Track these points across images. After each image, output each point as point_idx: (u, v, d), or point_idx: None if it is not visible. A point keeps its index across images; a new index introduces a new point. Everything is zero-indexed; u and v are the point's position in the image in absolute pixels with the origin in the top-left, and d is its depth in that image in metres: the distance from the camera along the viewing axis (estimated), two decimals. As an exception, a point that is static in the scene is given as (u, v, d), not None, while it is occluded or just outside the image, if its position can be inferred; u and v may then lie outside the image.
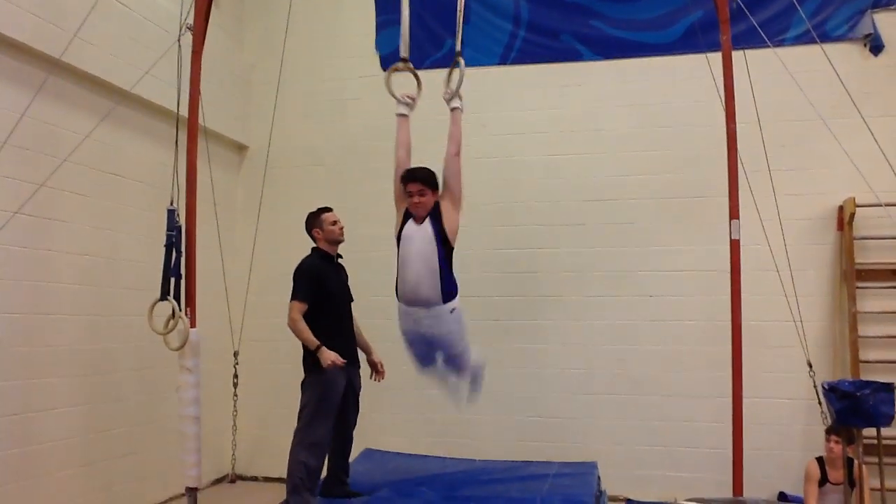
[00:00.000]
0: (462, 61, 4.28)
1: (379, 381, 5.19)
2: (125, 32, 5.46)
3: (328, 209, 5.07)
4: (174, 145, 4.51)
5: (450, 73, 4.37)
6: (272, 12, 7.10)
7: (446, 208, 4.24)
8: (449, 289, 4.20)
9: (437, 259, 4.15)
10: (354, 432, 5.09)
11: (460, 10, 4.43)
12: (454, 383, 4.70)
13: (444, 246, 4.20)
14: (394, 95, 4.44)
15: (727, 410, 4.46)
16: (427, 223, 4.21)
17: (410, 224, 4.25)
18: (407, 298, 4.23)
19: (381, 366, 5.16)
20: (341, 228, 5.04)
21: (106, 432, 5.41)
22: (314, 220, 5.04)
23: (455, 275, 4.27)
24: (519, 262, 6.71)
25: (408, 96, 4.45)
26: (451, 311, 4.22)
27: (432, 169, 4.30)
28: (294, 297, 4.79)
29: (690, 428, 6.28)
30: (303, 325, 4.70)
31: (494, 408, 6.66)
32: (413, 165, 4.36)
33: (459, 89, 4.29)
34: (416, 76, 4.43)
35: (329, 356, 4.63)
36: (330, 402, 4.70)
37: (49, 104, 4.80)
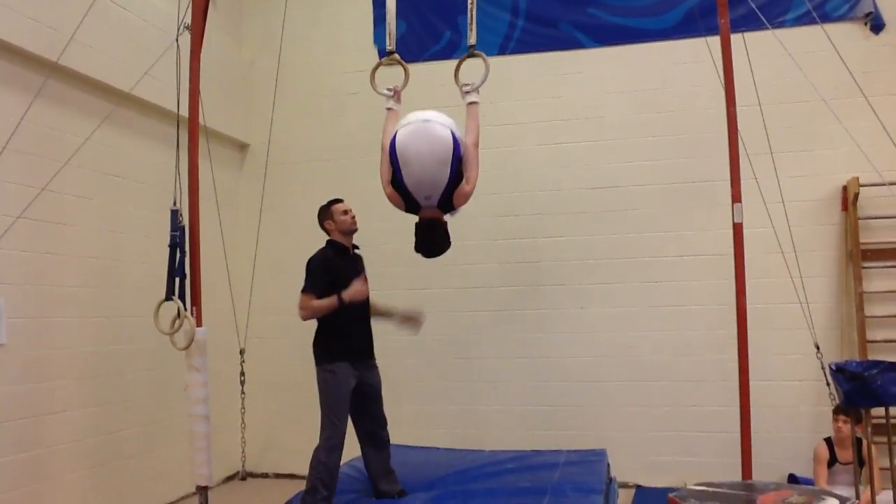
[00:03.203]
0: (486, 57, 4.15)
1: (421, 323, 5.08)
2: (123, 34, 5.46)
3: (339, 200, 5.04)
4: (175, 145, 4.52)
5: (458, 66, 4.29)
6: (270, 9, 7.09)
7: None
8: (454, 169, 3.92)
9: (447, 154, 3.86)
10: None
11: (472, 4, 4.35)
12: None
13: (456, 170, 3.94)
14: (378, 91, 4.35)
15: (735, 394, 4.45)
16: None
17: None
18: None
19: (415, 312, 5.07)
20: (353, 217, 4.97)
21: (115, 433, 5.44)
22: (325, 213, 4.99)
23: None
24: (523, 251, 6.71)
25: (390, 89, 4.33)
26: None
27: None
28: (304, 288, 4.74)
29: (699, 412, 6.29)
30: (315, 303, 4.62)
31: (502, 398, 6.68)
32: None
33: (482, 84, 4.13)
34: (404, 67, 4.35)
35: (355, 289, 4.63)
36: (341, 398, 4.67)
37: (48, 108, 4.81)
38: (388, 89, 4.34)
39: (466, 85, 4.20)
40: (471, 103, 4.18)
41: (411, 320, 5.09)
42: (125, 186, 5.66)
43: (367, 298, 4.93)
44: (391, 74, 4.40)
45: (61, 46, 4.57)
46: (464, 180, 3.99)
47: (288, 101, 6.79)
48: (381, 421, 4.94)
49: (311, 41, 7.27)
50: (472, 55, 4.20)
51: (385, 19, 6.92)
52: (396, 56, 4.37)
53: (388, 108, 4.35)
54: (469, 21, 4.30)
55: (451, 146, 3.85)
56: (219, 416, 5.40)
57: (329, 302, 4.61)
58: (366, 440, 4.86)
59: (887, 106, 5.51)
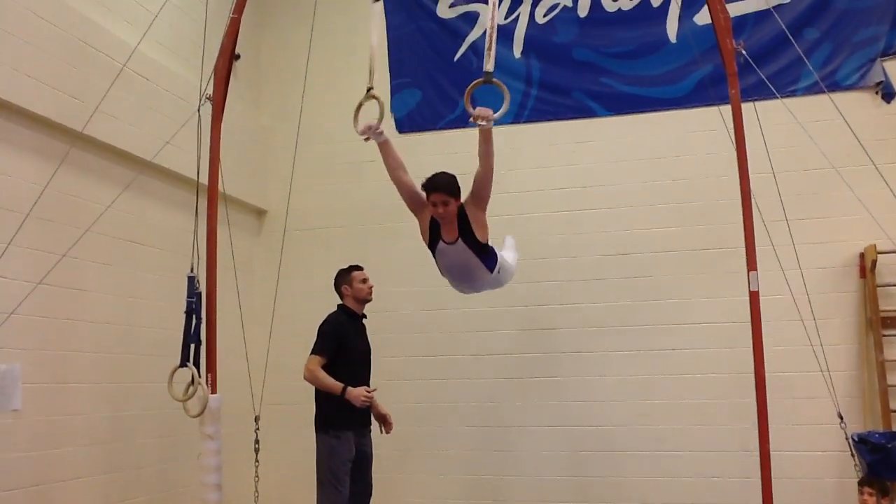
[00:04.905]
0: (502, 84, 4.12)
1: (388, 432, 5.15)
2: (146, 104, 5.59)
3: (359, 267, 5.14)
4: (194, 212, 4.58)
5: (469, 91, 4.18)
6: (289, 78, 7.25)
7: (472, 212, 4.14)
8: (491, 264, 4.33)
9: (477, 263, 4.26)
10: (377, 493, 5.06)
11: (492, 29, 4.17)
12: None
13: (481, 251, 4.23)
14: (360, 133, 4.32)
15: (756, 465, 4.36)
16: (460, 241, 4.16)
17: (442, 244, 4.19)
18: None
19: (389, 417, 5.13)
20: (370, 288, 5.12)
21: (127, 501, 5.37)
22: (344, 277, 5.11)
23: (490, 247, 4.36)
24: (539, 318, 6.68)
25: (369, 126, 4.26)
26: (497, 272, 4.40)
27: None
28: (315, 350, 4.82)
29: (719, 484, 6.14)
30: (322, 374, 4.74)
31: (518, 467, 6.57)
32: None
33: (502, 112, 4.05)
34: (378, 101, 4.41)
35: (359, 394, 4.69)
36: (343, 464, 4.73)
37: (71, 176, 4.90)
38: (368, 127, 4.25)
39: (471, 111, 4.06)
40: (481, 127, 4.04)
41: (384, 421, 5.14)
42: (144, 253, 5.71)
43: (369, 368, 4.99)
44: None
45: (86, 116, 4.67)
46: (474, 207, 4.14)
47: (306, 169, 6.88)
48: (369, 489, 5.04)
49: (329, 109, 7.37)
50: (489, 81, 4.10)
51: (402, 89, 7.19)
52: (372, 92, 4.46)
53: (381, 143, 4.29)
54: (487, 47, 4.15)
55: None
56: (232, 484, 5.34)
57: (333, 385, 4.73)
58: None
59: (901, 173, 5.53)
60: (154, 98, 5.69)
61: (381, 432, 5.17)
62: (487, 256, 4.28)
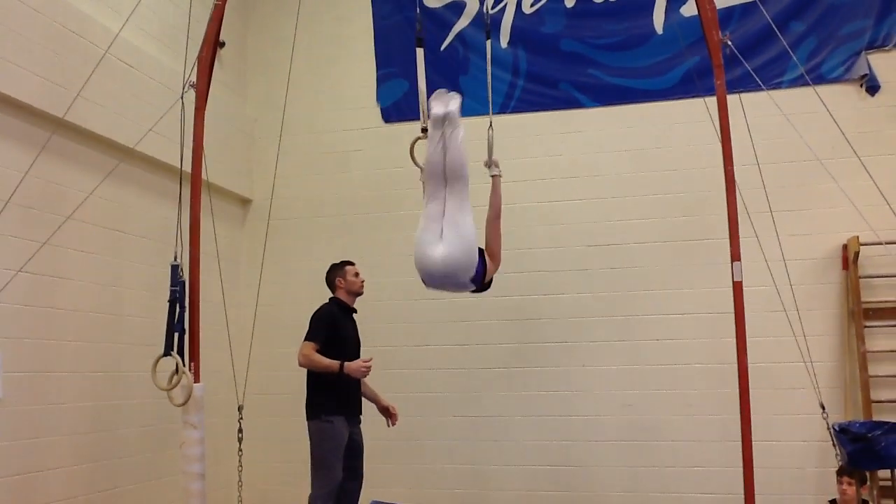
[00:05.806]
0: (491, 132, 4.50)
1: (394, 424, 5.21)
2: (129, 91, 5.54)
3: (351, 262, 5.20)
4: (178, 201, 4.55)
5: (490, 148, 4.54)
6: (274, 67, 7.21)
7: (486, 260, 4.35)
8: (478, 272, 4.20)
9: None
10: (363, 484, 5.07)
11: (489, 85, 4.79)
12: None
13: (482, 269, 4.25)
14: (419, 165, 4.54)
15: (738, 454, 4.39)
16: None
17: None
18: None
19: (394, 408, 5.17)
20: (363, 282, 5.20)
21: (110, 490, 5.35)
22: (337, 271, 5.17)
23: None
24: (523, 309, 6.69)
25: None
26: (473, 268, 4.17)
27: None
28: (308, 337, 4.86)
29: (702, 473, 6.18)
30: (317, 356, 4.78)
31: (502, 456, 6.59)
32: None
33: (493, 157, 4.50)
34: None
35: (357, 366, 4.75)
36: (336, 448, 4.76)
37: (53, 163, 4.86)
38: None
39: (485, 161, 4.55)
40: (492, 176, 4.52)
41: (388, 413, 5.20)
42: (127, 241, 5.68)
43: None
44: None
45: (68, 103, 4.64)
46: (488, 260, 4.30)
47: (291, 158, 6.85)
48: (361, 478, 5.05)
49: (315, 99, 7.36)
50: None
51: (388, 79, 7.17)
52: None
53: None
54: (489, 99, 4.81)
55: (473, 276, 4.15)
56: (215, 473, 5.34)
57: (329, 363, 4.73)
58: (341, 495, 4.88)
59: (883, 165, 5.58)
60: (137, 85, 5.64)
61: (389, 426, 5.20)
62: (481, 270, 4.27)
